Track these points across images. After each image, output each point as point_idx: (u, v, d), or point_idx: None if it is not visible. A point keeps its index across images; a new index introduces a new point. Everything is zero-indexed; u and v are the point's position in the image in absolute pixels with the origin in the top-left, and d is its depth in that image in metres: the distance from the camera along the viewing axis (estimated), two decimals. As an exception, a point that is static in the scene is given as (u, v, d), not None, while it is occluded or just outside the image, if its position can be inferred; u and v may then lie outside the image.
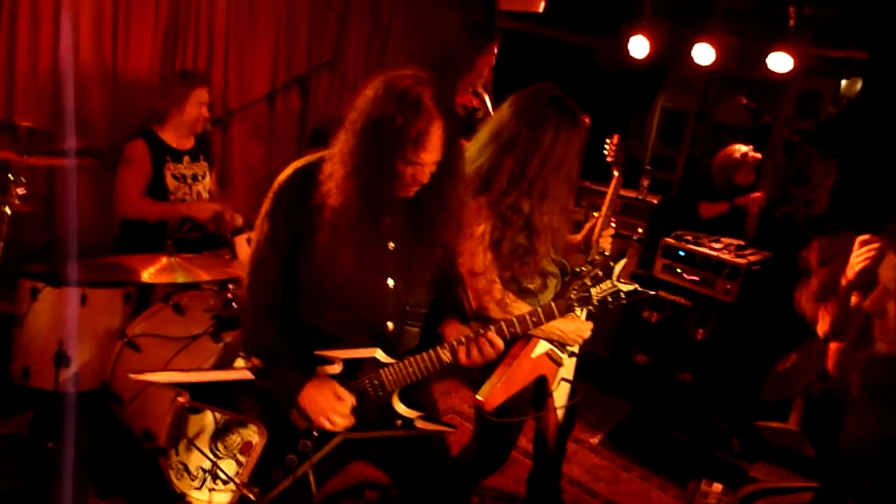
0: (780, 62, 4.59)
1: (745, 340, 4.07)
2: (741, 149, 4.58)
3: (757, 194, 4.58)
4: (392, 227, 1.90)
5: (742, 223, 4.56)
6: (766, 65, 4.63)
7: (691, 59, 4.98)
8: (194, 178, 3.59)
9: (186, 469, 2.67)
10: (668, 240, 4.25)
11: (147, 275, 2.81)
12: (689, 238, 4.27)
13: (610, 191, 2.73)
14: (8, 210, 2.49)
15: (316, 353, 1.92)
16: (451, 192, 1.89)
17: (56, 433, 2.84)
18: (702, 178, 4.99)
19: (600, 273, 1.85)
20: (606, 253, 2.00)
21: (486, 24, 4.66)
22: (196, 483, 2.70)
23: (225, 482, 2.65)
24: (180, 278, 2.88)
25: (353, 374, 1.92)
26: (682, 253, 4.16)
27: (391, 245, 1.91)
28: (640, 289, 1.86)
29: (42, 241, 3.45)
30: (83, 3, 3.45)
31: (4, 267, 2.58)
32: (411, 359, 1.89)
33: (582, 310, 2.54)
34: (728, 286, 3.99)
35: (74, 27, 3.43)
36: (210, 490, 2.72)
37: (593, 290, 1.86)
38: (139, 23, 3.69)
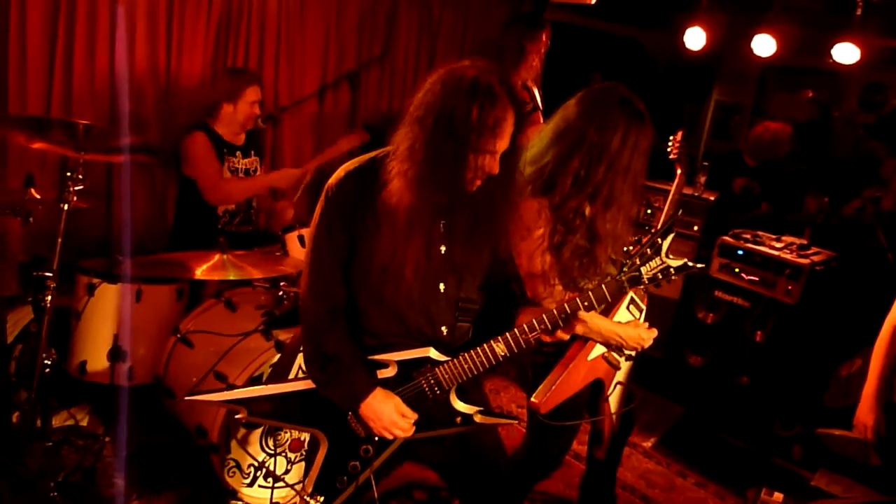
0: (846, 53, 4.41)
1: (806, 343, 3.91)
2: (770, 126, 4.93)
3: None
4: (445, 230, 1.85)
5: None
6: (829, 56, 4.45)
7: (749, 50, 4.82)
8: (246, 172, 3.61)
9: (238, 466, 2.69)
10: (727, 238, 4.12)
11: (200, 271, 2.83)
12: (748, 237, 4.12)
13: (672, 189, 2.63)
14: (66, 206, 2.52)
15: (370, 357, 1.90)
16: (507, 189, 1.84)
17: (112, 426, 2.89)
18: (734, 155, 5.06)
19: (649, 251, 1.77)
20: (654, 230, 1.91)
21: (534, 13, 4.56)
22: (247, 480, 2.72)
23: (279, 483, 2.67)
24: (232, 275, 2.89)
25: (409, 376, 1.90)
26: (740, 252, 4.02)
27: (443, 249, 1.86)
28: (689, 263, 1.78)
29: (100, 236, 3.51)
30: (139, 6, 3.52)
31: (64, 262, 2.61)
32: (465, 355, 1.85)
33: (641, 313, 2.48)
34: (790, 287, 3.84)
35: (130, 30, 3.50)
36: (260, 487, 2.75)
37: (643, 269, 1.78)
38: (192, 24, 3.74)
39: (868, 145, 6.36)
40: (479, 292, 1.97)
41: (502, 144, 1.73)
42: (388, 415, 1.85)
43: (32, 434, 2.73)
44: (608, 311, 2.34)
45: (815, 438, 3.50)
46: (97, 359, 2.95)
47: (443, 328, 1.91)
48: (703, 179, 4.52)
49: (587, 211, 2.15)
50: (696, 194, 4.51)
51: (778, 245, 4.04)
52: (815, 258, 3.91)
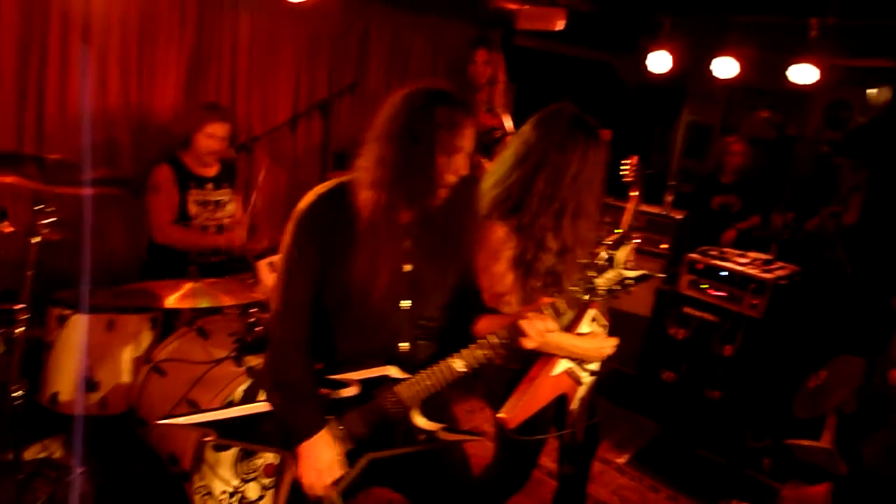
0: (803, 73, 4.55)
1: (774, 357, 3.99)
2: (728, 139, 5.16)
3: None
4: (411, 248, 1.91)
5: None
6: (786, 77, 4.59)
7: (713, 72, 4.96)
8: (217, 204, 3.65)
9: (210, 493, 2.70)
10: (693, 255, 4.21)
11: (171, 300, 2.86)
12: (715, 253, 4.22)
13: (629, 210, 2.72)
14: (35, 239, 2.55)
15: (330, 377, 1.93)
16: (471, 209, 1.94)
17: (86, 457, 2.89)
18: (710, 176, 5.22)
19: (604, 262, 1.81)
20: (608, 242, 1.96)
21: (479, 35, 4.64)
22: (220, 506, 2.73)
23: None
24: (204, 303, 2.93)
25: (370, 394, 1.92)
26: (705, 268, 4.11)
27: (408, 267, 1.92)
28: (647, 273, 1.82)
29: (73, 268, 3.53)
30: (110, 41, 3.59)
31: (36, 294, 2.64)
32: (425, 372, 1.89)
33: (605, 329, 2.54)
34: (755, 302, 3.92)
35: (101, 68, 3.57)
36: (234, 513, 2.76)
37: (598, 281, 1.82)
38: (163, 58, 3.81)
39: (835, 161, 6.53)
40: (442, 311, 2.01)
41: (468, 143, 1.82)
42: (327, 461, 1.87)
43: (3, 467, 2.73)
44: (571, 327, 2.40)
45: (785, 449, 3.56)
46: (69, 390, 2.97)
47: (403, 345, 1.94)
48: (669, 199, 4.62)
49: (559, 226, 2.24)
50: (664, 213, 4.61)
51: (743, 261, 4.14)
52: (780, 273, 4.01)
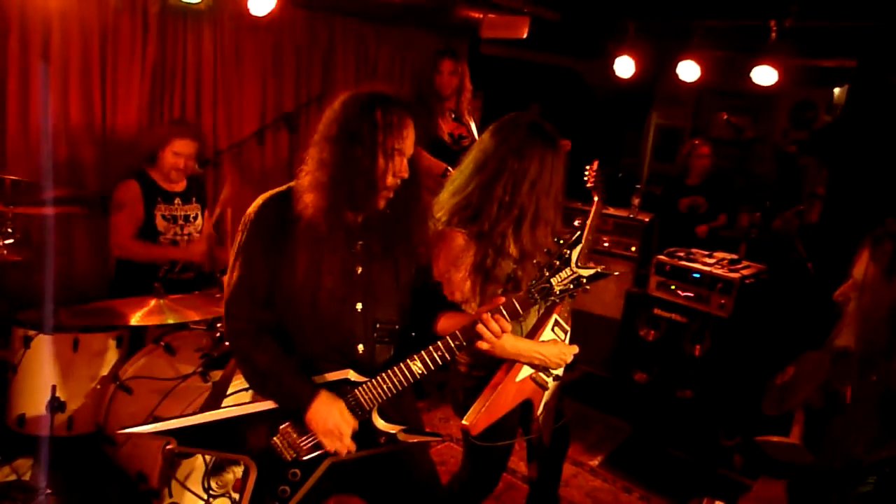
0: (764, 75, 4.63)
1: (742, 355, 4.04)
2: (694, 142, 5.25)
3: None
4: (361, 251, 1.94)
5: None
6: (748, 79, 4.66)
7: (678, 76, 5.03)
8: (186, 219, 3.64)
9: (180, 509, 2.69)
10: (661, 257, 4.26)
11: (136, 318, 2.85)
12: (682, 254, 4.27)
13: (591, 215, 2.75)
14: (-5, 260, 2.54)
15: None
16: (419, 209, 1.98)
17: (54, 478, 2.87)
18: (677, 179, 5.29)
19: (557, 262, 1.83)
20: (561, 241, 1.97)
21: (444, 46, 4.68)
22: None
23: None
24: (170, 319, 2.92)
25: (329, 398, 1.94)
26: (673, 269, 4.16)
27: (359, 269, 1.94)
28: (601, 270, 1.83)
29: (37, 288, 3.51)
30: (71, 62, 3.57)
31: (0, 315, 2.62)
32: (383, 375, 1.91)
33: (566, 335, 2.57)
34: (723, 301, 3.98)
35: (63, 88, 3.56)
36: (204, 529, 2.74)
37: (553, 281, 1.84)
38: (125, 76, 3.79)
39: (801, 161, 6.63)
40: (399, 312, 2.04)
41: (408, 146, 1.86)
42: (334, 419, 1.87)
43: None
44: (534, 333, 2.43)
45: (755, 446, 3.60)
46: (35, 410, 2.94)
47: (359, 347, 1.96)
48: (636, 202, 4.67)
49: (518, 232, 2.27)
50: (632, 216, 4.66)
51: (710, 261, 4.19)
52: (745, 272, 4.07)
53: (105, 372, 3.03)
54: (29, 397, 2.96)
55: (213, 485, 2.72)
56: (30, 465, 3.12)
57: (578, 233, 1.86)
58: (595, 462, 3.76)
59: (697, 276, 4.08)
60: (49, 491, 2.84)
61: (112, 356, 3.08)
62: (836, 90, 6.66)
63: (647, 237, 4.63)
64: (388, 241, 1.95)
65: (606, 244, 4.68)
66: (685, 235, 4.91)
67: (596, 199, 2.81)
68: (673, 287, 4.18)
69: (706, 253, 4.32)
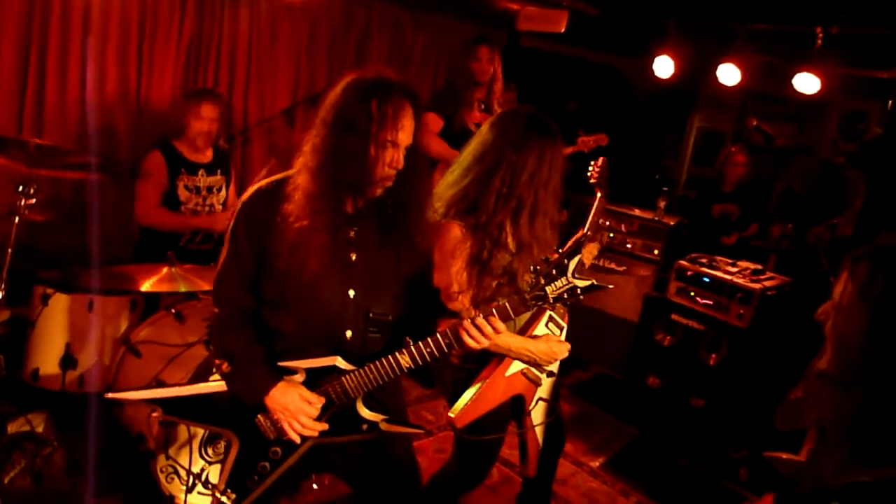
0: (806, 83, 4.49)
1: (758, 367, 3.96)
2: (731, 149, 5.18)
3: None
4: (356, 238, 1.95)
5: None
6: (790, 86, 4.53)
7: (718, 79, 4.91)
8: (209, 190, 3.73)
9: (176, 472, 2.77)
10: (682, 262, 4.19)
11: (148, 284, 2.94)
12: (704, 261, 4.19)
13: (592, 210, 2.73)
14: (16, 219, 2.64)
15: (278, 364, 1.98)
16: (417, 194, 1.98)
17: (64, 433, 2.98)
18: (712, 184, 5.20)
19: (554, 271, 1.84)
20: (561, 251, 1.98)
21: (480, 34, 4.67)
22: (186, 487, 2.79)
23: (209, 486, 2.74)
24: (182, 287, 3.00)
25: (315, 383, 1.97)
26: (693, 275, 4.09)
27: (354, 256, 1.96)
28: (596, 283, 1.84)
29: (62, 248, 3.63)
30: (110, 31, 3.68)
31: (22, 273, 2.73)
32: (371, 365, 1.93)
33: (562, 331, 2.55)
34: (741, 311, 3.90)
35: (101, 58, 3.66)
36: (199, 494, 2.82)
37: (548, 289, 1.84)
38: (162, 47, 3.89)
39: (846, 173, 6.42)
40: (393, 304, 2.04)
41: (404, 137, 1.85)
42: (294, 403, 1.91)
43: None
44: (526, 328, 2.42)
45: (763, 461, 3.53)
46: (49, 366, 3.06)
47: (347, 333, 1.97)
48: (662, 204, 4.59)
49: (515, 224, 2.27)
50: (657, 218, 4.59)
51: (732, 270, 4.11)
52: (768, 283, 3.97)
53: (118, 334, 3.12)
54: (44, 353, 3.08)
55: (210, 451, 2.80)
56: (43, 418, 3.26)
57: (583, 239, 1.86)
58: (596, 463, 3.74)
59: (717, 284, 4.00)
60: (57, 443, 2.96)
61: (125, 319, 3.18)
62: (891, 102, 6.43)
63: (671, 240, 4.55)
64: (385, 230, 1.96)
65: (629, 246, 4.62)
66: (715, 242, 4.82)
67: (599, 194, 2.78)
68: (692, 293, 4.11)
69: (729, 261, 4.22)
